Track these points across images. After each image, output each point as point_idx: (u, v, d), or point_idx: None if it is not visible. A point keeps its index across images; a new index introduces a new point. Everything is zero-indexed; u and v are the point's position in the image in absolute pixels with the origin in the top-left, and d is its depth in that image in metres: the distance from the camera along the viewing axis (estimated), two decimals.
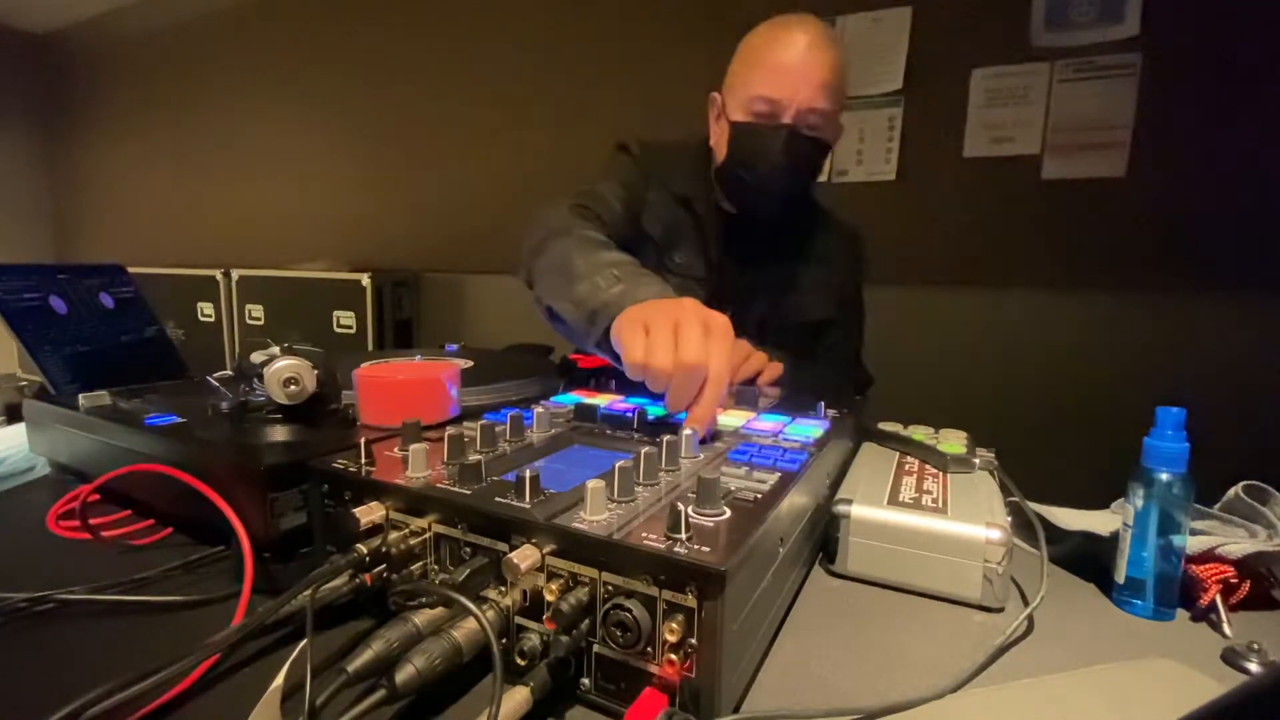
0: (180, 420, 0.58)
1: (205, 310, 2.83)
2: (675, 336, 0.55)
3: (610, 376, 0.77)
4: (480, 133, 2.56)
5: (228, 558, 0.51)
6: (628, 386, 0.75)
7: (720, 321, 0.57)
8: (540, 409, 0.56)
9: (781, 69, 0.89)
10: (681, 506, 0.35)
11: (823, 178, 1.92)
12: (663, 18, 2.14)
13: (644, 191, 1.03)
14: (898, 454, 0.69)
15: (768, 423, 0.60)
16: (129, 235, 3.74)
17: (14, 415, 0.82)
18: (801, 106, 0.89)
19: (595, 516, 0.36)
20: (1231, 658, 0.43)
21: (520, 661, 0.36)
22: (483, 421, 0.50)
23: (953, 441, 0.67)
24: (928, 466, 0.64)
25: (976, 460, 0.63)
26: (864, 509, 0.53)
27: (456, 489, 0.41)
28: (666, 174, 1.04)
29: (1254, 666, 0.42)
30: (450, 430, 0.47)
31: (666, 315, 0.57)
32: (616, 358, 0.61)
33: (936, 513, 0.51)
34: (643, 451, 0.42)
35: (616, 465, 0.40)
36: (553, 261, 0.78)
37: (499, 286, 2.52)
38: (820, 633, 0.46)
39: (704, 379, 0.54)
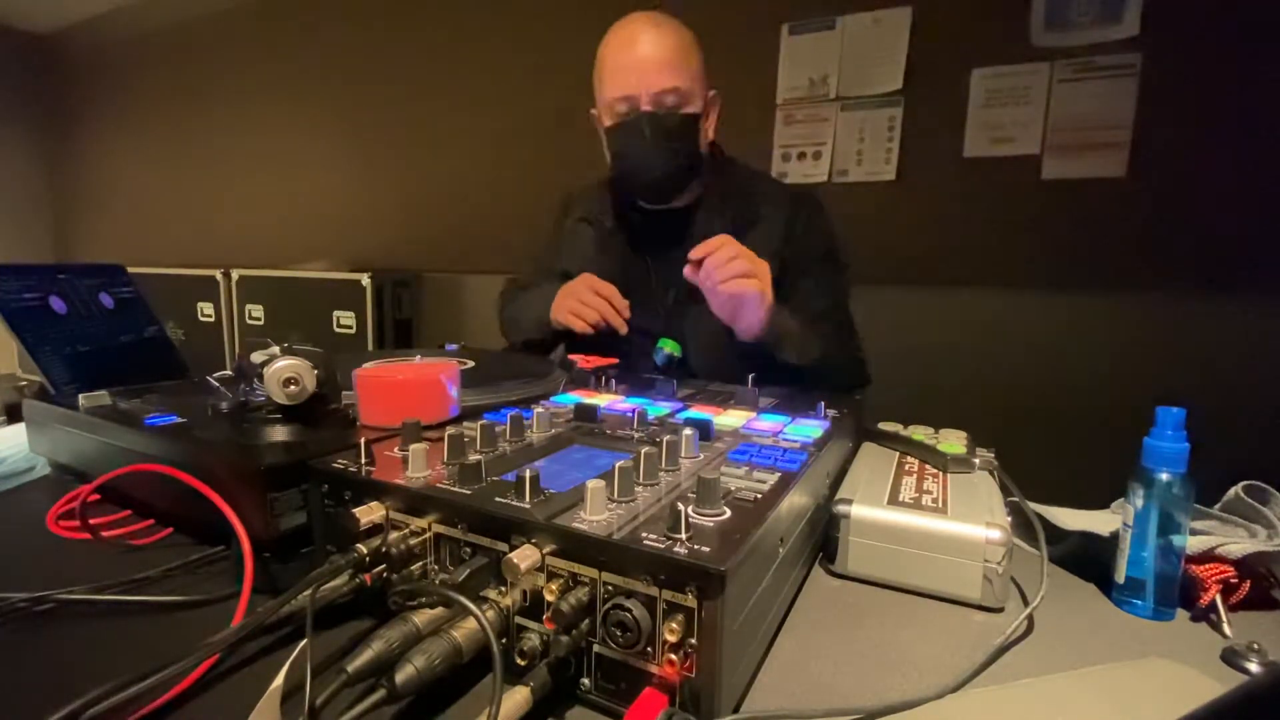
0: (180, 420, 0.58)
1: (205, 310, 2.82)
2: (578, 300, 0.99)
3: (611, 376, 0.77)
4: (480, 133, 2.56)
5: (228, 558, 0.51)
6: (628, 386, 0.75)
7: (603, 284, 1.01)
8: (540, 409, 0.56)
9: (622, 67, 0.98)
10: (681, 506, 0.35)
11: (823, 178, 1.93)
12: None
13: (559, 241, 1.20)
14: (898, 454, 0.69)
15: (768, 423, 0.60)
16: (129, 235, 3.74)
17: (14, 415, 0.82)
18: (651, 91, 0.97)
19: (595, 516, 0.36)
20: (1231, 658, 0.43)
21: (520, 661, 0.36)
22: (483, 421, 0.50)
23: (953, 441, 0.67)
24: (928, 466, 0.64)
25: (976, 460, 0.63)
26: (864, 509, 0.53)
27: (456, 489, 0.41)
28: (574, 205, 1.21)
29: (1254, 666, 0.42)
30: (450, 430, 0.47)
31: (574, 294, 1.02)
32: (570, 334, 1.02)
33: (936, 513, 0.51)
34: (643, 451, 0.42)
35: (616, 465, 0.40)
36: (512, 323, 1.19)
37: (499, 287, 2.51)
38: (820, 633, 0.46)
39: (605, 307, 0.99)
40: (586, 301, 0.99)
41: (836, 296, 1.12)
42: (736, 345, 0.91)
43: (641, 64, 0.96)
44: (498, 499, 0.39)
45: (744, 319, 0.86)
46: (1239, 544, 0.49)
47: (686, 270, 0.86)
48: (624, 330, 1.00)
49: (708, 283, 0.84)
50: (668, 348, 1.00)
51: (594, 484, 0.37)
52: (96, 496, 0.55)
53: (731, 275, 0.83)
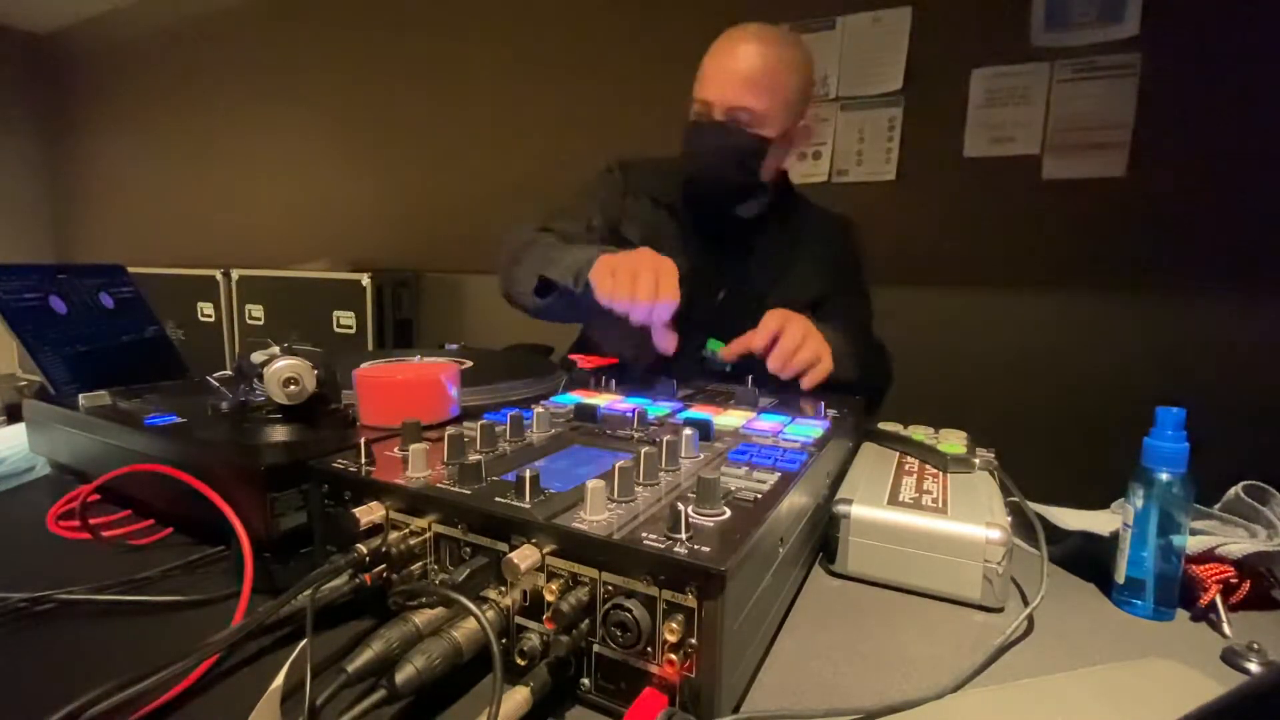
0: (180, 420, 0.58)
1: (205, 310, 2.82)
2: (634, 279, 0.76)
3: (611, 376, 0.77)
4: (481, 133, 2.56)
5: (228, 558, 0.51)
6: (628, 386, 0.75)
7: (666, 265, 0.78)
8: (540, 409, 0.56)
9: (712, 72, 0.98)
10: (681, 506, 0.35)
11: (823, 178, 1.93)
12: (664, 22, 2.14)
13: (622, 202, 1.13)
14: (898, 454, 0.69)
15: (768, 423, 0.60)
16: (129, 235, 3.74)
17: (14, 415, 0.82)
18: (729, 104, 0.96)
19: (595, 516, 0.36)
20: (1231, 658, 0.43)
21: (520, 661, 0.36)
22: (483, 421, 0.50)
23: (953, 441, 0.67)
24: (928, 466, 0.64)
25: (976, 460, 0.63)
26: (864, 509, 0.53)
27: (456, 489, 0.41)
28: (648, 184, 1.14)
29: (1254, 666, 0.42)
30: (450, 430, 0.47)
31: (627, 262, 0.79)
32: (602, 318, 0.83)
33: (936, 513, 0.51)
34: (643, 451, 0.42)
35: (616, 465, 0.40)
36: (534, 257, 0.96)
37: (499, 287, 2.52)
38: (820, 633, 0.46)
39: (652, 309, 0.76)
40: (645, 281, 0.78)
41: (868, 311, 1.16)
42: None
43: (726, 75, 0.97)
44: (498, 499, 0.39)
45: (817, 372, 0.83)
46: (1239, 544, 0.49)
47: (756, 345, 0.81)
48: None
49: (777, 369, 0.80)
50: (714, 347, 0.98)
51: (594, 484, 0.37)
52: (96, 496, 0.55)
53: (801, 366, 0.79)
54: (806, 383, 0.79)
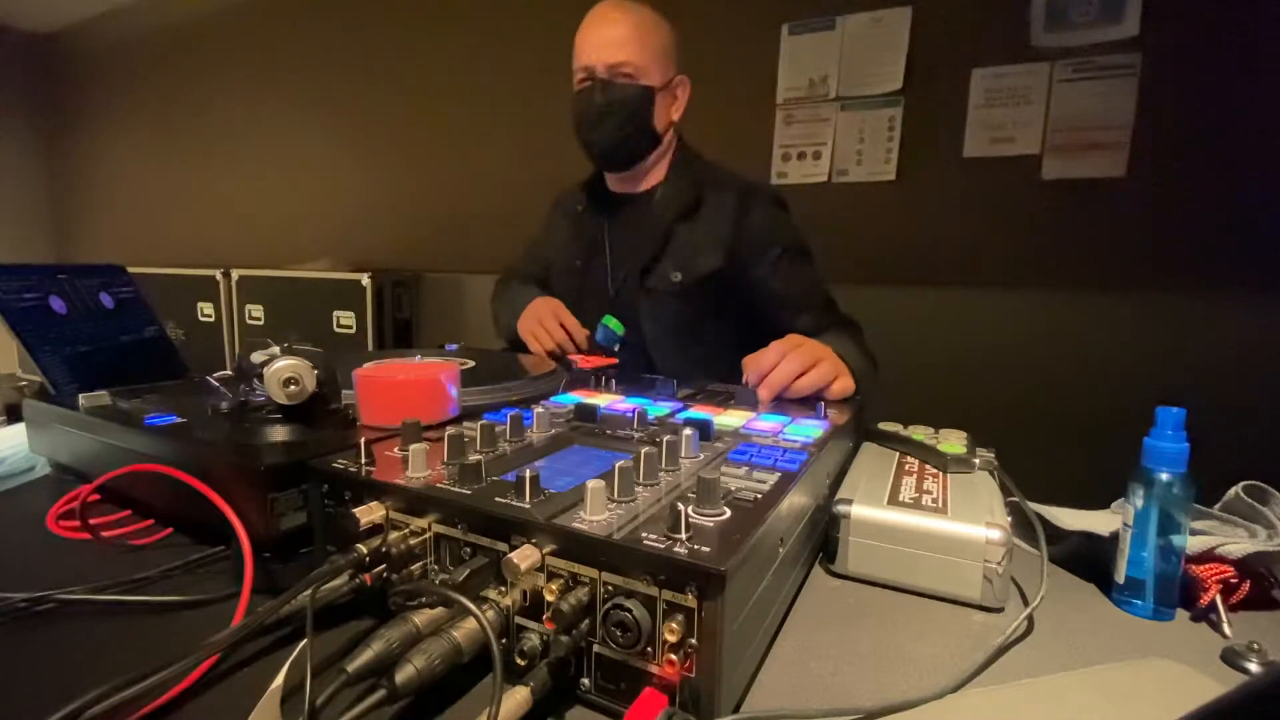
0: (180, 420, 0.58)
1: (205, 310, 2.82)
2: (541, 335, 1.08)
3: (611, 376, 0.77)
4: (481, 133, 2.56)
5: (228, 558, 0.51)
6: (628, 386, 0.75)
7: (553, 306, 1.11)
8: (540, 409, 0.56)
9: (585, 40, 1.08)
10: (681, 506, 0.35)
11: (823, 178, 1.93)
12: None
13: (546, 236, 1.30)
14: (898, 454, 0.69)
15: (768, 423, 0.60)
16: (129, 235, 3.73)
17: (14, 415, 0.82)
18: (606, 62, 1.05)
19: (595, 516, 0.36)
20: (1231, 658, 0.43)
21: (520, 661, 0.36)
22: (483, 421, 0.50)
23: (953, 441, 0.67)
24: (928, 466, 0.64)
25: (976, 460, 0.63)
26: (864, 509, 0.53)
27: (456, 489, 0.41)
28: (561, 199, 1.31)
29: (1254, 666, 0.42)
30: (450, 430, 0.47)
31: (527, 325, 1.11)
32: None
33: (936, 513, 0.51)
34: (643, 451, 0.42)
35: (616, 465, 0.40)
36: (495, 318, 1.29)
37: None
38: (820, 633, 0.46)
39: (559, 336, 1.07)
40: (549, 329, 1.08)
41: (823, 294, 1.13)
42: None
43: (599, 39, 1.06)
44: (498, 499, 0.39)
45: (832, 392, 0.77)
46: (1239, 544, 0.49)
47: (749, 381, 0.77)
48: (579, 356, 1.02)
49: (784, 395, 0.75)
50: (610, 324, 1.06)
51: (594, 484, 0.37)
52: (96, 496, 0.55)
53: (802, 388, 0.73)
54: (806, 390, 0.74)
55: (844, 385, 0.77)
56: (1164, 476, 0.48)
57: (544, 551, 0.36)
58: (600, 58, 1.06)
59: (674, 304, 1.10)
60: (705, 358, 1.11)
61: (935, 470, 0.63)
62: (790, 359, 0.73)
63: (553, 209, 1.33)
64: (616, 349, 1.06)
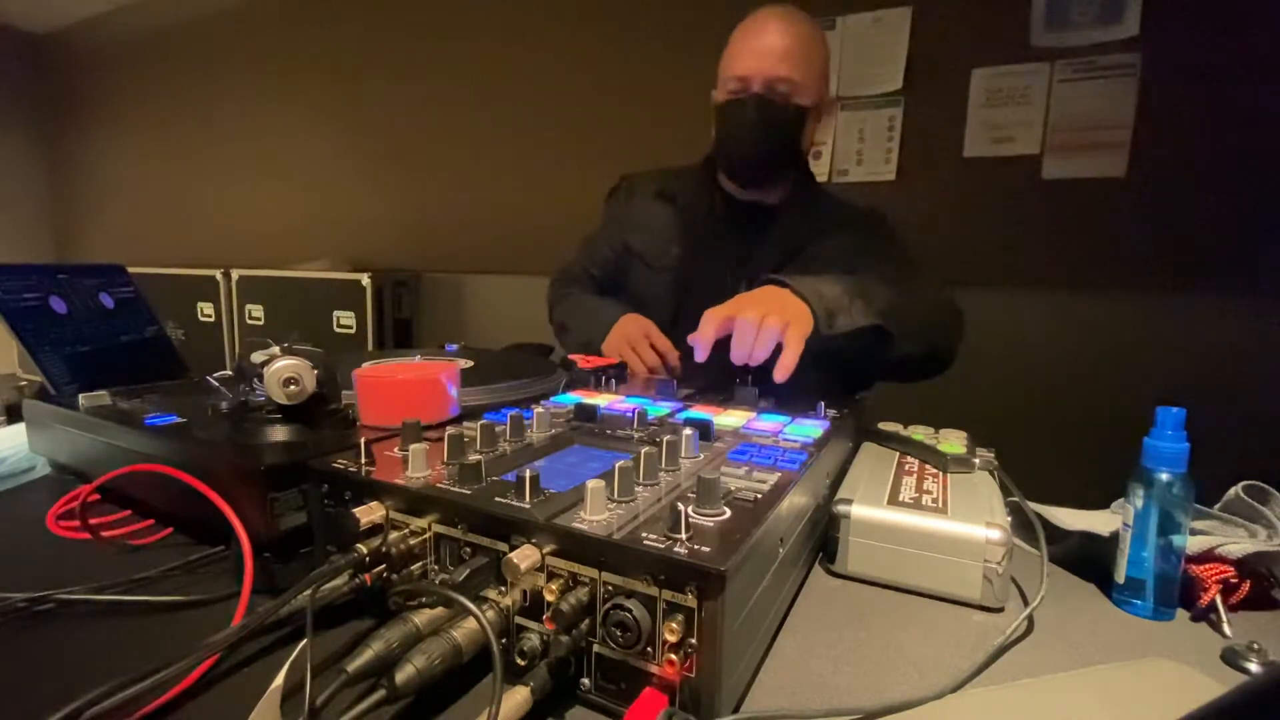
0: (180, 420, 0.58)
1: (205, 310, 2.82)
2: (634, 355, 1.00)
3: (611, 376, 0.77)
4: (481, 134, 2.56)
5: (228, 558, 0.51)
6: (628, 386, 0.75)
7: (645, 327, 1.03)
8: (540, 409, 0.55)
9: (745, 48, 1.02)
10: (681, 506, 0.34)
11: (823, 177, 1.93)
12: (668, 23, 2.14)
13: (624, 219, 1.20)
14: (898, 454, 0.69)
15: (768, 423, 0.60)
16: (129, 235, 3.74)
17: (14, 415, 0.82)
18: (767, 76, 0.99)
19: (595, 516, 0.36)
20: (1231, 658, 0.43)
21: (520, 661, 0.36)
22: (483, 421, 0.50)
23: (953, 441, 0.67)
24: (928, 466, 0.64)
25: (976, 460, 0.63)
26: (864, 509, 0.53)
27: (456, 489, 0.41)
28: (653, 185, 1.19)
29: (1254, 666, 0.42)
30: (450, 430, 0.47)
31: (618, 345, 1.03)
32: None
33: (936, 513, 0.51)
34: (643, 451, 0.42)
35: (616, 465, 0.40)
36: (560, 327, 1.21)
37: (499, 286, 2.52)
38: (820, 633, 0.46)
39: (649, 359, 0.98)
40: (641, 353, 0.99)
41: (907, 260, 1.11)
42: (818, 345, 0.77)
43: (762, 50, 1.00)
44: (498, 499, 0.39)
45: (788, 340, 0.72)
46: (1239, 544, 0.49)
47: (703, 339, 0.73)
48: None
49: (741, 359, 0.72)
50: None
51: (594, 484, 0.37)
52: (96, 496, 0.55)
53: (766, 342, 0.71)
54: (779, 370, 0.69)
55: (800, 331, 0.71)
56: (1164, 476, 0.48)
57: (544, 551, 0.36)
58: (759, 69, 0.99)
59: None
60: (812, 373, 0.99)
61: (935, 470, 0.63)
62: (740, 327, 0.70)
63: (625, 198, 1.21)
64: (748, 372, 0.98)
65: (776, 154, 1.04)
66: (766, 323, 0.71)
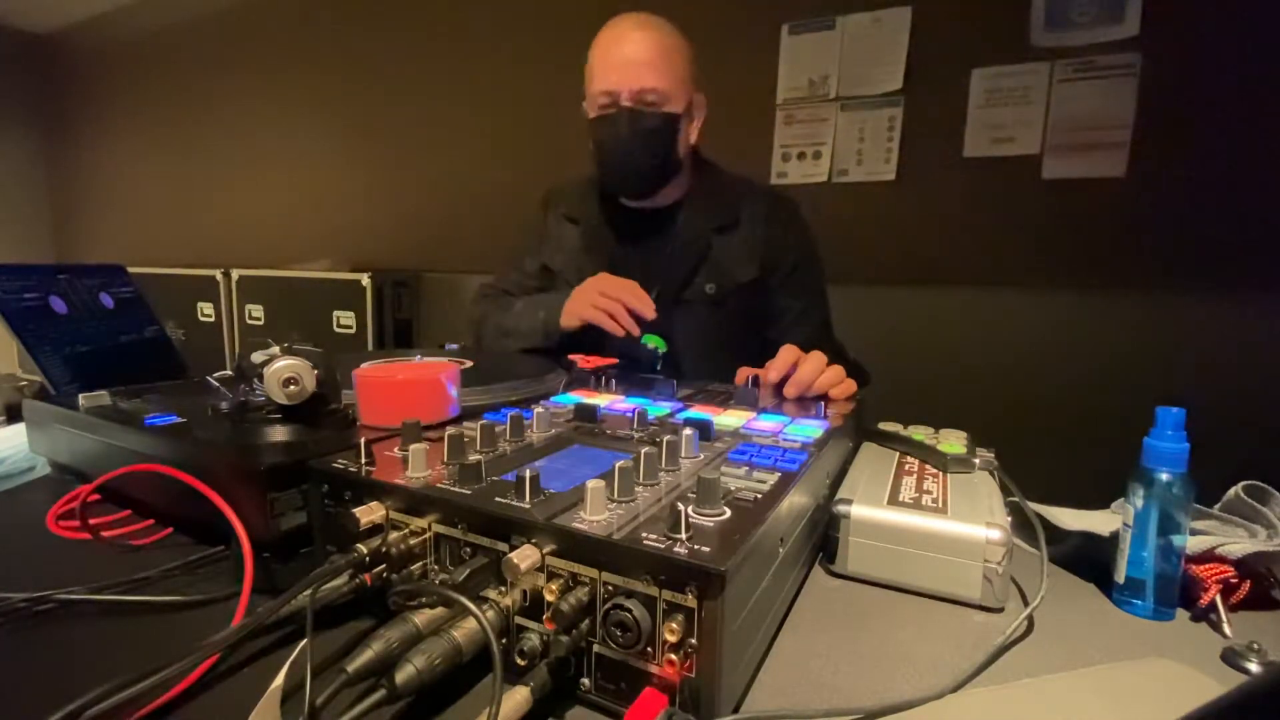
0: (180, 420, 0.58)
1: (205, 310, 2.82)
2: (605, 296, 0.96)
3: (611, 376, 0.77)
4: (480, 132, 2.56)
5: (228, 558, 0.51)
6: (628, 386, 0.75)
7: (598, 281, 1.00)
8: (540, 409, 0.56)
9: (607, 64, 1.03)
10: (681, 506, 0.35)
11: (823, 178, 1.93)
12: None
13: (544, 230, 1.21)
14: (898, 454, 0.69)
15: (768, 423, 0.60)
16: (129, 235, 3.74)
17: (14, 415, 0.82)
18: (633, 88, 1.00)
19: (595, 516, 0.36)
20: (1231, 658, 0.43)
21: (520, 661, 0.36)
22: (483, 421, 0.50)
23: (953, 441, 0.67)
24: (928, 466, 0.64)
25: (976, 460, 0.63)
26: (864, 509, 0.53)
27: (456, 489, 0.41)
28: (560, 202, 1.21)
29: (1254, 666, 0.42)
30: (450, 430, 0.47)
31: (590, 289, 0.99)
32: (572, 343, 1.00)
33: (936, 513, 0.51)
34: (643, 451, 0.42)
35: (616, 465, 0.40)
36: (492, 333, 1.15)
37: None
38: (820, 633, 0.46)
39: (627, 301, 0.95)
40: (615, 294, 0.97)
41: (824, 312, 1.15)
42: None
43: (625, 63, 1.01)
44: (498, 499, 0.39)
45: (840, 391, 0.79)
46: (1239, 544, 0.49)
47: (771, 379, 0.77)
48: (651, 315, 0.97)
49: (794, 394, 0.75)
50: (653, 344, 1.01)
51: (594, 484, 0.37)
52: (96, 496, 0.55)
53: (824, 388, 0.75)
54: (838, 394, 0.75)
55: (850, 385, 0.78)
56: (1164, 476, 0.48)
57: (544, 551, 0.36)
58: (625, 83, 1.00)
59: (708, 315, 1.08)
60: (735, 367, 1.03)
61: (935, 470, 0.63)
62: (810, 360, 0.75)
63: (544, 213, 1.23)
64: (658, 367, 1.01)
65: (654, 165, 1.05)
66: (829, 372, 0.75)
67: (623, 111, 1.01)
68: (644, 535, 0.34)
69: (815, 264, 1.16)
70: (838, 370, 0.76)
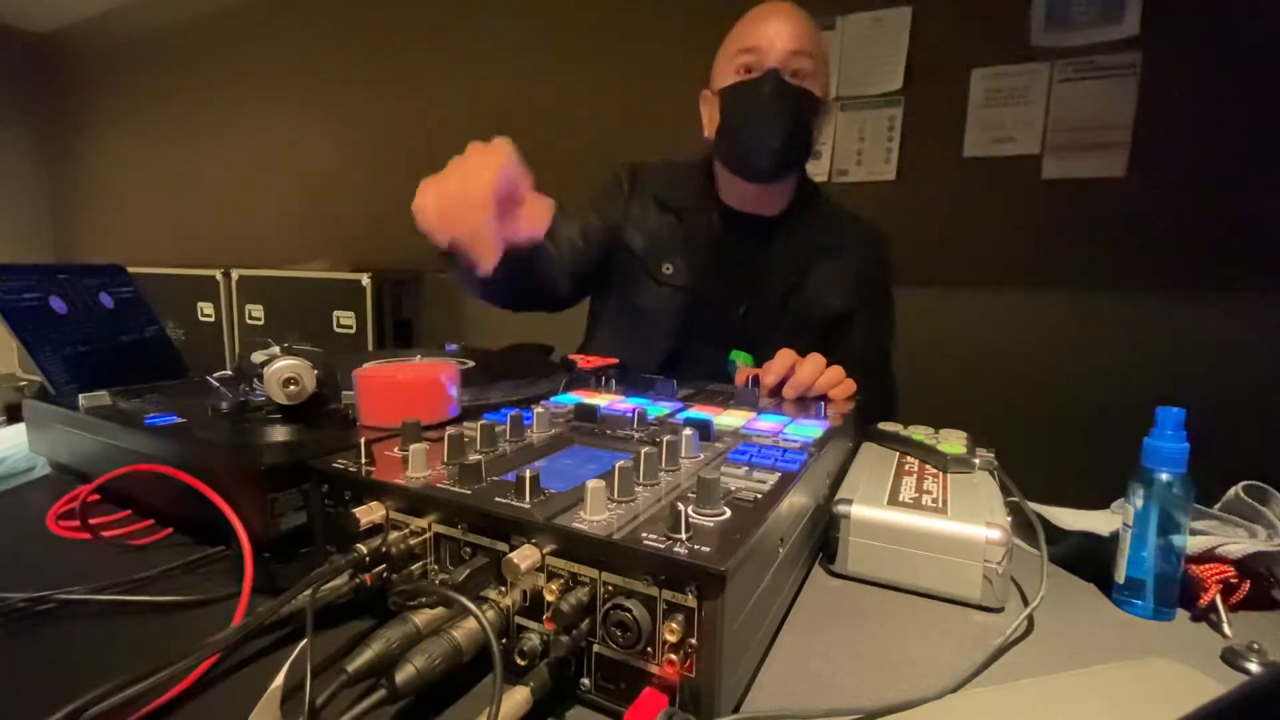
0: (180, 420, 0.58)
1: (205, 310, 2.82)
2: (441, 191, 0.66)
3: (611, 376, 0.77)
4: (481, 134, 2.56)
5: (228, 558, 0.51)
6: (628, 387, 0.75)
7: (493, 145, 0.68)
8: (540, 409, 0.56)
9: (757, 23, 0.94)
10: (681, 506, 0.34)
11: (823, 177, 1.93)
12: (665, 23, 2.14)
13: (626, 208, 1.09)
14: (898, 454, 0.69)
15: (768, 423, 0.60)
16: (129, 235, 3.74)
17: (14, 415, 0.82)
18: (783, 49, 0.91)
19: (595, 516, 0.36)
20: (1231, 658, 0.43)
21: (520, 661, 0.36)
22: (483, 421, 0.50)
23: (953, 441, 0.67)
24: (928, 466, 0.64)
25: (976, 460, 0.63)
26: (864, 509, 0.53)
27: (456, 489, 0.41)
28: (655, 188, 1.09)
29: (1254, 666, 0.42)
30: (450, 430, 0.47)
31: (431, 188, 0.68)
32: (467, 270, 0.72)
33: (936, 513, 0.51)
34: (643, 451, 0.42)
35: (616, 465, 0.40)
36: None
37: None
38: (820, 633, 0.46)
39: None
40: (454, 215, 0.67)
41: (878, 342, 1.12)
42: None
43: (779, 26, 0.93)
44: (498, 499, 0.39)
45: (840, 391, 0.78)
46: (1239, 544, 0.49)
47: (768, 383, 0.76)
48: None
49: (793, 395, 0.75)
50: (740, 360, 0.93)
51: (594, 484, 0.37)
52: (96, 496, 0.55)
53: (824, 389, 0.74)
54: (837, 394, 0.74)
55: (850, 385, 0.77)
56: (1164, 476, 0.48)
57: (544, 551, 0.36)
58: (777, 41, 0.91)
59: (794, 336, 0.98)
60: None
61: (935, 470, 0.63)
62: (808, 361, 0.74)
63: (633, 188, 1.10)
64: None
65: (791, 143, 0.95)
66: (827, 373, 0.74)
67: (769, 74, 0.91)
68: (644, 535, 0.34)
69: (887, 302, 1.14)
70: (837, 370, 0.75)
